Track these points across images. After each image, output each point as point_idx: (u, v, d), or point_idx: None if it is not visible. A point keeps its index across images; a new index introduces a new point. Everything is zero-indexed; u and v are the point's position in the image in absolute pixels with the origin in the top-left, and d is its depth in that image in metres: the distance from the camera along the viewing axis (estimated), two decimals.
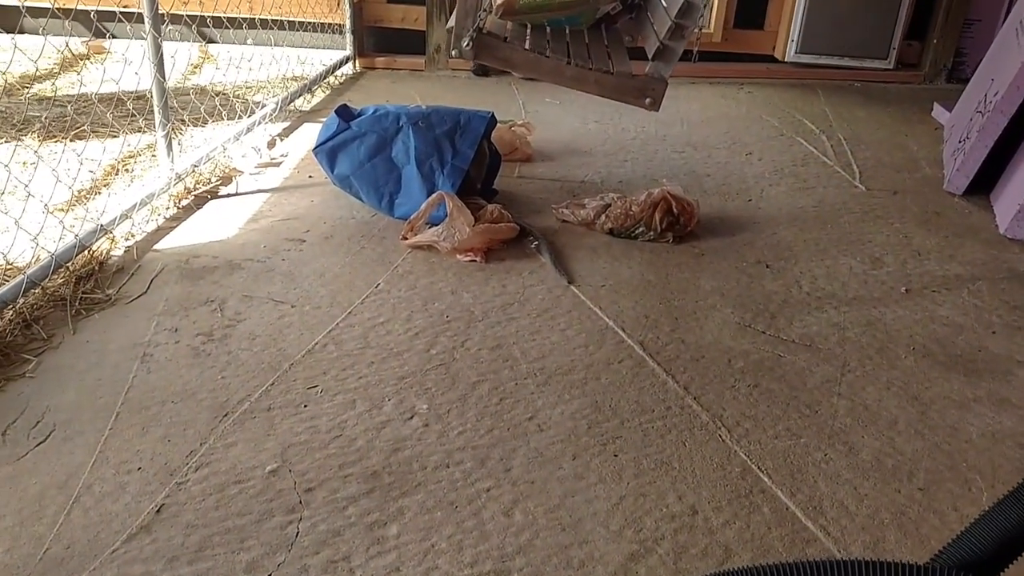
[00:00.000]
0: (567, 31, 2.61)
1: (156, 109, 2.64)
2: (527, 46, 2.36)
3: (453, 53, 2.29)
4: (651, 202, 2.62)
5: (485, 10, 2.25)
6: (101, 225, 2.35)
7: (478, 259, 2.44)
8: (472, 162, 2.63)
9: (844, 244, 2.67)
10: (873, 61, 4.59)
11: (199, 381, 1.85)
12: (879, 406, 1.88)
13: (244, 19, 4.27)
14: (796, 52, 4.56)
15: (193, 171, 2.87)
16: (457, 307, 2.21)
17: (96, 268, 2.29)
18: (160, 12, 3.00)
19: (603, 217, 2.65)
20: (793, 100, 4.28)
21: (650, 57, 2.34)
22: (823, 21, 4.49)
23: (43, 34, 2.46)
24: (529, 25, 2.56)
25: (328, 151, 2.67)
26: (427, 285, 2.31)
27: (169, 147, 2.71)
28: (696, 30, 2.32)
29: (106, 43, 4.53)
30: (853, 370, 2.01)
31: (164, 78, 2.62)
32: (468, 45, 2.27)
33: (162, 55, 2.59)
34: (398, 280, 2.33)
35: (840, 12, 4.46)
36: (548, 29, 2.58)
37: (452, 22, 2.30)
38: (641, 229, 2.62)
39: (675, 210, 2.62)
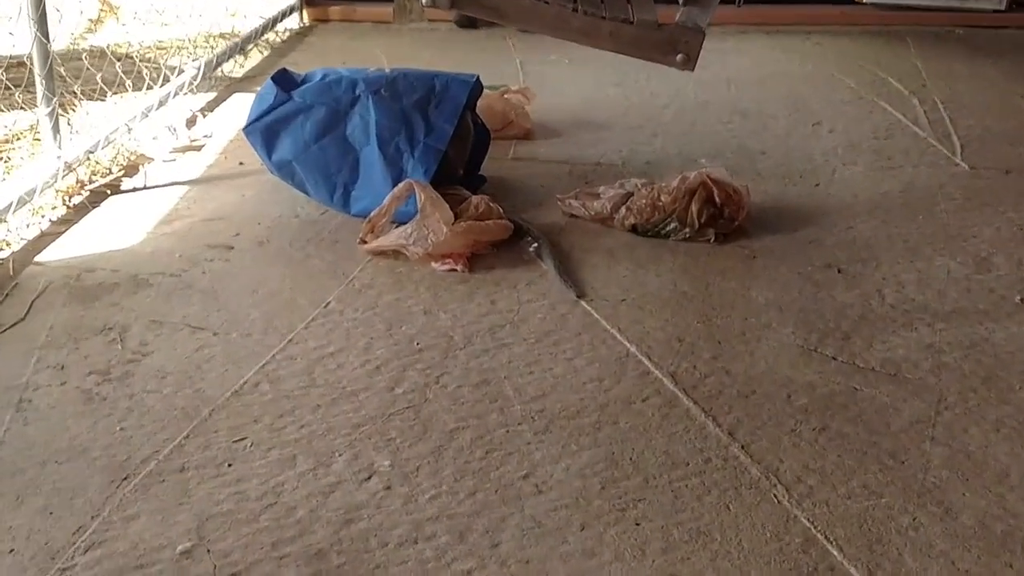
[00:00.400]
0: None
1: (38, 80, 2.66)
2: None
3: (424, 1, 2.30)
4: (686, 189, 2.62)
5: None
6: None
7: (459, 268, 2.45)
8: (451, 141, 2.64)
9: (940, 240, 2.67)
10: (979, 1, 4.59)
11: (91, 434, 1.86)
12: (985, 453, 1.87)
13: None
14: None
15: (88, 159, 2.89)
16: (431, 331, 2.21)
17: None
18: None
19: (623, 210, 2.65)
20: (875, 53, 4.29)
21: (681, 1, 2.35)
22: None
23: None
24: None
25: (263, 130, 2.68)
26: (392, 303, 2.31)
27: (56, 129, 2.72)
28: None
29: None
30: (951, 406, 2.00)
31: (48, 39, 2.64)
32: None
33: (44, 9, 2.61)
34: (354, 297, 2.33)
35: None
36: None
37: None
38: (673, 225, 2.62)
39: (718, 199, 2.62)
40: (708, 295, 2.39)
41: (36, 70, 2.66)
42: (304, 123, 2.66)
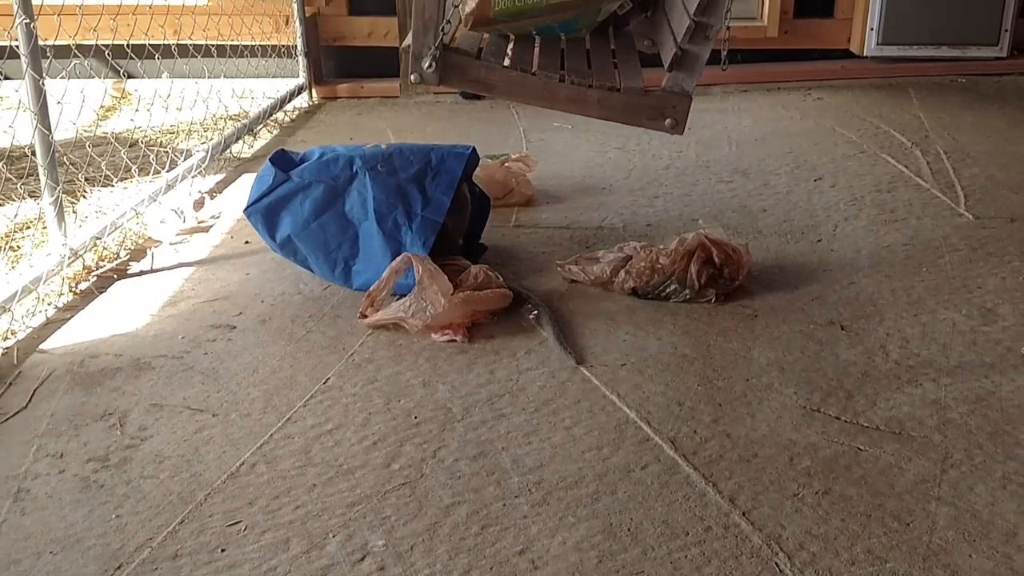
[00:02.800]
0: (562, 39, 2.63)
1: (41, 171, 2.68)
2: (508, 62, 2.38)
3: (412, 79, 2.31)
4: (684, 251, 2.60)
5: (448, 21, 2.27)
6: None
7: (458, 338, 2.43)
8: (448, 212, 2.63)
9: (945, 292, 2.62)
10: (979, 49, 4.58)
11: (87, 523, 1.83)
12: (992, 512, 1.81)
13: (170, 46, 4.38)
14: (877, 44, 4.58)
15: (95, 245, 2.90)
16: (429, 404, 2.18)
17: None
18: (59, 43, 3.09)
19: (623, 273, 2.63)
20: (876, 105, 4.28)
21: (667, 67, 2.34)
22: (910, 2, 4.50)
23: None
24: (512, 36, 2.58)
25: (264, 211, 2.69)
26: (391, 377, 2.29)
27: (60, 218, 2.74)
28: (725, 28, 2.32)
29: None
30: (957, 464, 1.95)
31: (49, 130, 2.66)
32: (431, 67, 2.29)
33: (45, 101, 2.64)
34: (353, 372, 2.31)
35: None
36: (537, 40, 2.60)
37: (409, 39, 2.33)
38: (674, 287, 2.59)
39: (717, 259, 2.59)
40: (709, 356, 2.35)
41: (39, 161, 2.68)
42: (303, 201, 2.67)
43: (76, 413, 2.19)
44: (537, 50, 2.54)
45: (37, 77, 2.62)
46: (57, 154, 2.76)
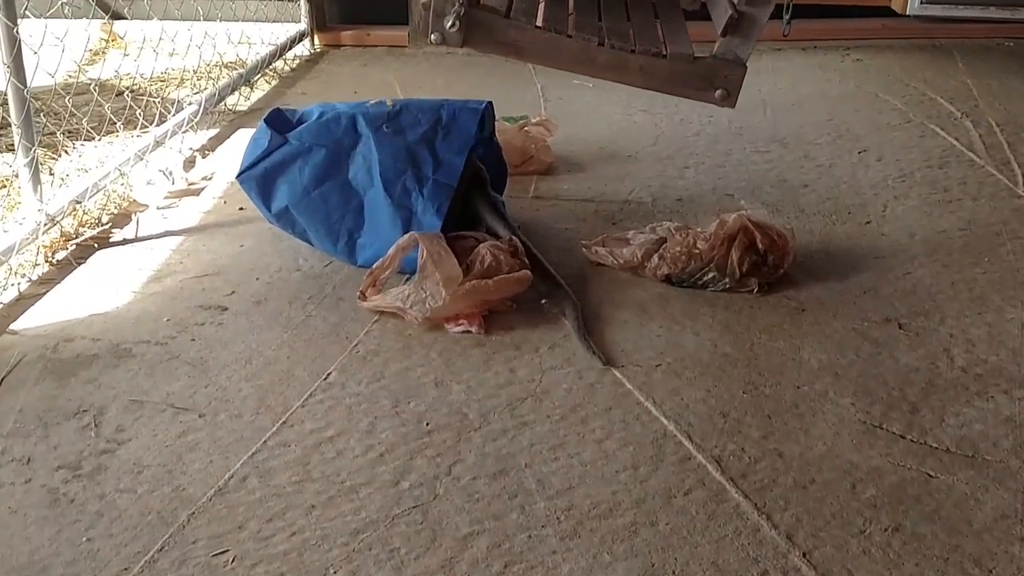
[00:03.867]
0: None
1: (15, 129, 2.44)
2: (540, 22, 2.12)
3: (432, 39, 2.06)
4: (725, 235, 2.36)
5: None
6: None
7: (474, 329, 2.20)
8: (462, 176, 2.40)
9: (1009, 287, 2.39)
10: None
11: (54, 547, 1.62)
12: None
13: None
14: (922, 2, 4.30)
15: (74, 209, 2.66)
16: (443, 408, 1.96)
17: None
18: None
19: (656, 258, 2.40)
20: (920, 69, 4.02)
21: (719, 31, 2.09)
22: None
23: None
24: None
25: (259, 178, 2.45)
26: (400, 373, 2.07)
27: (36, 179, 2.50)
28: None
29: None
30: None
31: (24, 84, 2.41)
32: (453, 26, 2.04)
33: (20, 51, 2.39)
34: (358, 367, 2.09)
35: None
36: None
37: None
38: (712, 274, 2.36)
39: (760, 245, 2.36)
40: (753, 357, 2.13)
41: (12, 118, 2.44)
42: (302, 168, 2.43)
43: (47, 409, 1.97)
44: (572, 6, 2.28)
45: (10, 25, 2.37)
46: (34, 107, 2.50)
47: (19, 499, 1.73)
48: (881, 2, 4.44)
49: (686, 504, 1.70)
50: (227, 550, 1.60)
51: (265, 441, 1.86)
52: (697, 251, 2.37)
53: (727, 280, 2.35)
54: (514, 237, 2.39)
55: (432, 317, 2.19)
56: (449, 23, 2.04)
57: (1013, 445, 1.86)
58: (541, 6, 2.27)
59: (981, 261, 2.52)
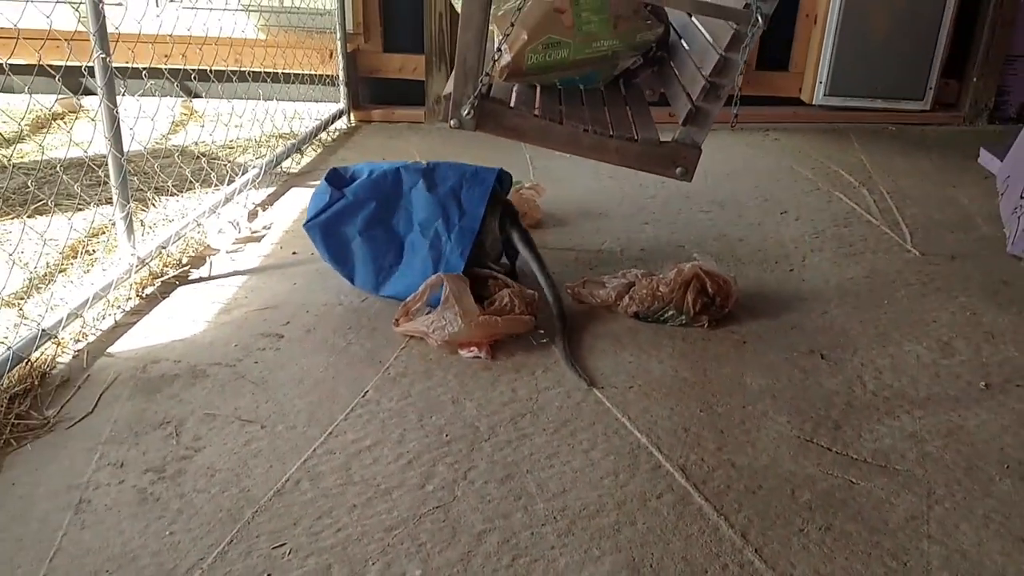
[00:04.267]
0: (583, 91, 2.30)
1: (113, 190, 2.33)
2: (537, 111, 2.04)
3: (451, 124, 1.98)
4: (682, 281, 2.29)
5: (487, 73, 1.94)
6: (43, 330, 2.03)
7: (483, 355, 2.11)
8: (482, 224, 2.31)
9: (906, 326, 2.33)
10: (908, 102, 4.27)
11: (142, 539, 1.52)
12: (979, 552, 1.53)
13: (232, 72, 4.01)
14: (825, 95, 4.26)
15: (160, 253, 2.56)
16: (458, 422, 1.87)
17: (36, 382, 1.96)
18: (135, 67, 2.73)
19: (626, 299, 2.32)
20: (825, 147, 3.96)
21: (680, 120, 2.02)
22: (853, 60, 4.19)
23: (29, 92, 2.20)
24: (538, 86, 2.24)
25: (322, 225, 2.36)
26: (423, 392, 1.98)
27: (130, 229, 2.40)
28: (736, 87, 2.00)
29: (77, 101, 4.25)
30: (940, 500, 1.66)
31: (121, 153, 2.31)
32: (469, 114, 1.95)
33: (119, 127, 2.29)
34: (389, 386, 2.00)
35: (871, 51, 4.16)
36: (561, 90, 2.27)
37: (449, 87, 1.99)
38: (671, 312, 2.28)
39: (710, 289, 2.29)
40: (707, 381, 2.05)
41: (112, 180, 2.34)
42: (356, 216, 2.36)
43: (137, 420, 1.86)
44: (561, 100, 2.21)
45: (112, 106, 2.27)
46: (128, 171, 2.40)
47: (114, 497, 1.62)
48: (793, 93, 4.39)
49: (659, 506, 1.62)
50: (284, 543, 1.51)
51: (315, 449, 1.76)
52: (660, 293, 2.29)
53: (683, 317, 2.28)
54: (531, 291, 2.31)
55: (450, 341, 2.11)
56: (465, 111, 1.96)
57: (917, 456, 1.79)
58: (537, 99, 2.19)
59: (882, 303, 2.45)
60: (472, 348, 2.13)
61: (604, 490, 1.66)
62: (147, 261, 2.48)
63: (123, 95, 2.45)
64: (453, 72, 1.96)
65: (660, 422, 1.88)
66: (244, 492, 1.64)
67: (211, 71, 3.42)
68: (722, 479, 1.70)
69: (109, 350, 2.14)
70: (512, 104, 2.04)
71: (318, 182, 2.46)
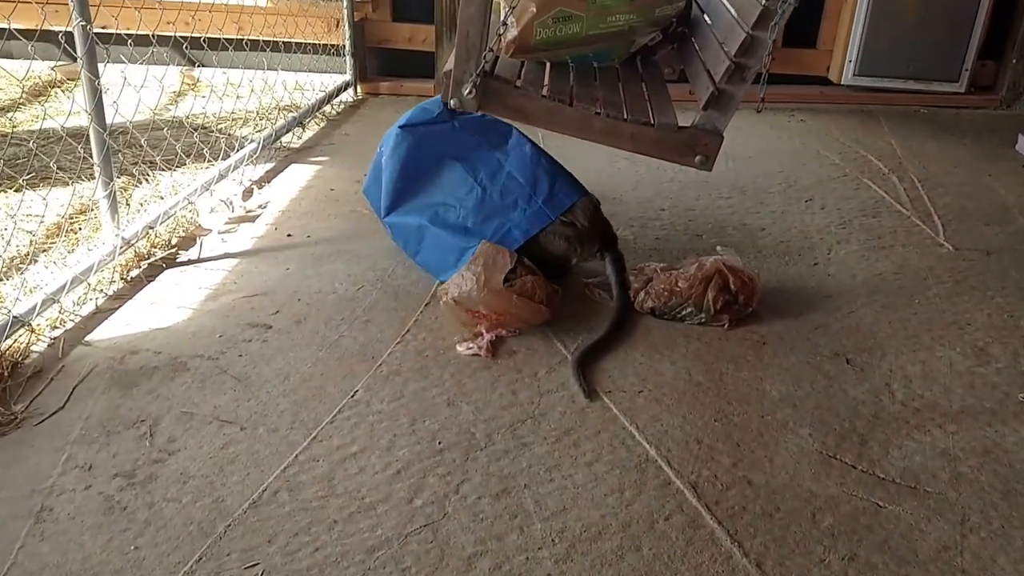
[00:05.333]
0: (596, 69, 2.14)
1: (96, 167, 2.21)
2: (546, 91, 1.90)
3: (452, 104, 1.84)
4: (703, 276, 2.14)
5: (491, 49, 1.79)
6: (15, 316, 1.91)
7: (482, 353, 1.98)
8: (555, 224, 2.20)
9: (938, 328, 2.18)
10: (942, 84, 4.07)
11: (104, 554, 1.41)
12: None
13: (233, 40, 3.86)
14: (854, 74, 4.07)
15: (148, 233, 2.44)
16: (453, 427, 1.74)
17: (5, 373, 1.85)
18: (139, 33, 2.60)
19: (642, 294, 2.18)
20: (853, 130, 3.78)
21: (701, 105, 1.87)
22: (885, 39, 3.99)
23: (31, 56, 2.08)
24: (548, 64, 2.09)
25: (416, 136, 2.28)
26: (417, 392, 1.85)
27: (114, 208, 2.27)
28: (764, 69, 1.84)
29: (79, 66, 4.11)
30: (976, 528, 1.52)
31: (104, 128, 2.18)
32: (470, 93, 1.82)
33: (100, 97, 2.16)
34: (381, 385, 1.87)
35: (904, 29, 3.95)
36: (572, 67, 2.11)
37: (450, 64, 1.85)
38: (690, 310, 2.14)
39: (732, 287, 2.14)
40: (723, 387, 1.91)
41: (94, 158, 2.20)
42: (452, 143, 2.27)
43: (110, 417, 1.75)
44: (573, 79, 2.05)
45: (93, 78, 2.13)
46: (123, 140, 2.27)
47: (78, 504, 1.51)
48: (820, 72, 4.20)
49: (667, 529, 1.49)
50: (257, 563, 1.39)
51: (296, 456, 1.64)
52: (678, 289, 2.15)
53: (702, 316, 2.14)
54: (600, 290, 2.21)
55: (458, 302, 2.01)
56: (467, 90, 1.82)
57: (950, 477, 1.65)
58: (546, 77, 2.04)
59: (912, 303, 2.30)
60: (471, 346, 2.01)
61: (608, 509, 1.53)
62: (133, 242, 2.36)
63: (105, 62, 2.31)
64: (454, 48, 1.81)
65: (671, 432, 1.75)
66: (217, 503, 1.52)
67: (204, 40, 3.28)
68: (737, 499, 1.57)
69: (87, 338, 2.02)
70: (518, 83, 1.89)
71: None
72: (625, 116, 1.86)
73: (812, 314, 2.22)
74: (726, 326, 2.12)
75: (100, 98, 2.16)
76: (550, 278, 2.15)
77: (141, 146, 3.15)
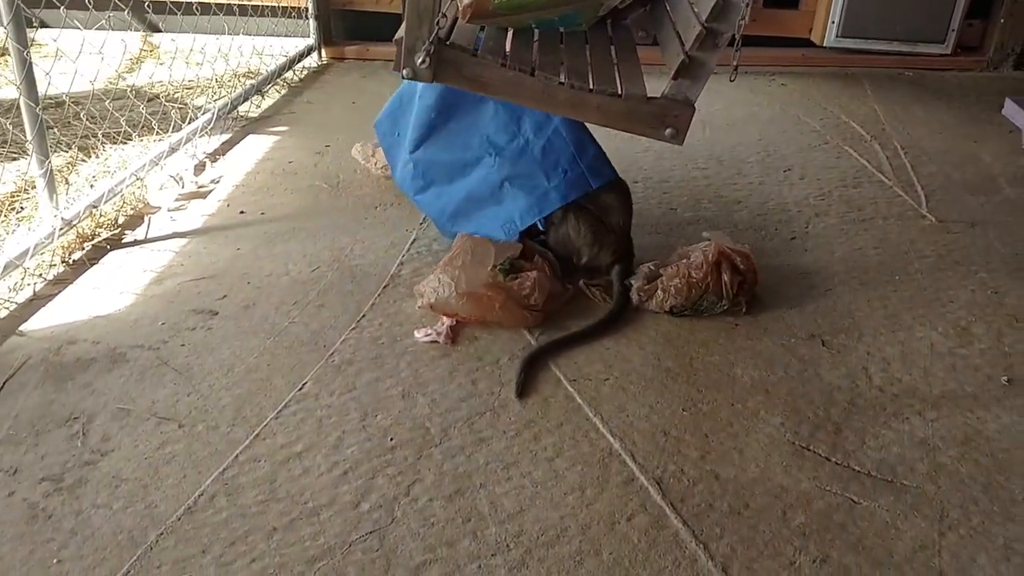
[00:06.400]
0: (561, 35, 2.02)
1: (30, 145, 2.08)
2: (505, 60, 1.78)
3: (404, 74, 1.73)
4: (712, 262, 2.02)
5: (445, 14, 1.67)
6: None
7: (441, 339, 1.89)
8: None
9: (919, 306, 2.10)
10: (928, 45, 3.97)
11: (24, 569, 1.32)
12: None
13: (194, 2, 3.71)
14: (837, 36, 3.95)
15: (91, 213, 2.32)
16: (407, 421, 1.65)
17: None
18: None
19: (659, 293, 2.01)
20: (835, 94, 3.67)
21: (671, 74, 1.76)
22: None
23: None
24: (510, 30, 1.97)
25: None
26: (370, 384, 1.76)
27: (51, 188, 2.15)
28: (737, 34, 1.73)
29: (31, 32, 3.94)
30: (955, 525, 1.46)
31: (37, 103, 2.05)
32: (424, 62, 1.70)
33: (31, 67, 2.02)
34: (332, 376, 1.78)
35: None
36: (536, 33, 1.99)
37: (402, 31, 1.73)
38: (712, 298, 2.00)
39: (741, 266, 2.03)
40: (692, 372, 1.83)
41: (27, 134, 2.07)
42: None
43: (41, 415, 1.65)
44: (536, 46, 1.94)
45: (20, 47, 2.00)
46: (73, 111, 2.14)
47: (0, 512, 1.42)
48: (803, 34, 4.08)
49: (628, 531, 1.41)
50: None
51: (237, 456, 1.55)
52: (695, 280, 2.00)
53: (724, 303, 2.00)
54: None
55: (434, 308, 1.92)
56: (420, 59, 1.70)
57: (928, 469, 1.58)
58: (507, 42, 1.92)
59: (893, 279, 2.21)
60: (430, 332, 1.91)
61: (567, 510, 1.45)
62: (75, 223, 2.24)
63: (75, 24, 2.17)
64: (406, 14, 1.69)
65: (637, 423, 1.67)
66: (150, 509, 1.43)
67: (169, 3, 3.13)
68: (703, 496, 1.49)
69: (22, 328, 1.92)
70: (477, 51, 1.77)
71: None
72: (591, 86, 1.75)
73: (787, 292, 2.14)
74: (744, 309, 2.02)
75: (30, 70, 2.02)
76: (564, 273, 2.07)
77: (93, 118, 3.01)
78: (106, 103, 2.83)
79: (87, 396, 1.70)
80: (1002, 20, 3.95)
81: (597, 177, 2.07)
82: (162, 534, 1.38)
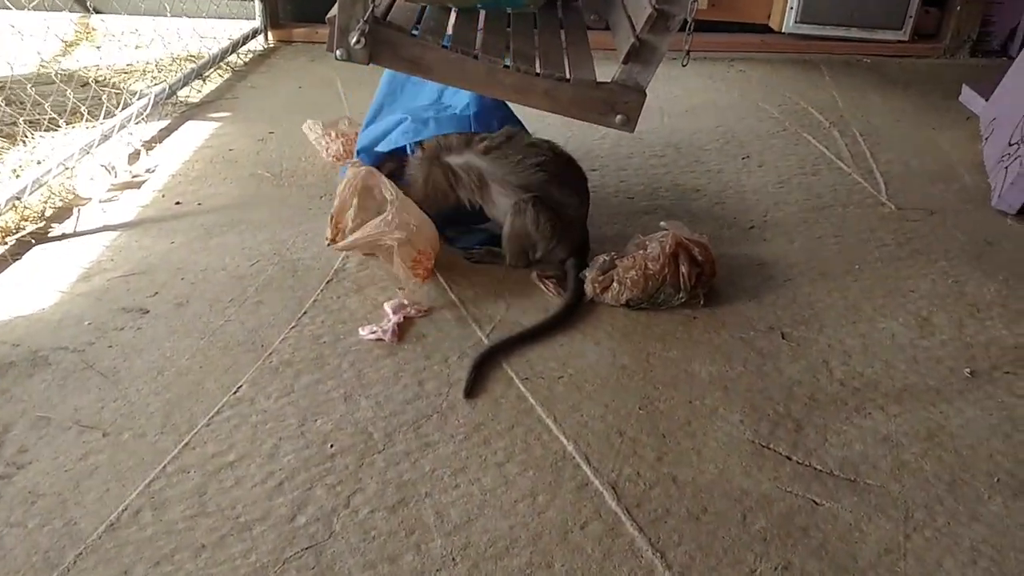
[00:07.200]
0: (509, 17, 1.94)
1: None
2: (447, 41, 1.69)
3: (337, 55, 1.63)
4: (669, 253, 1.95)
5: None
6: None
7: (387, 338, 1.80)
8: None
9: (880, 296, 2.06)
10: (886, 32, 3.95)
11: None
12: None
13: None
14: (796, 22, 3.92)
15: (14, 206, 2.18)
16: (348, 426, 1.57)
17: None
18: None
19: (615, 285, 1.96)
20: (794, 81, 3.64)
21: (621, 58, 1.68)
22: None
23: None
24: (454, 9, 1.88)
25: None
26: (310, 386, 1.66)
27: None
28: (689, 17, 1.66)
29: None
30: (920, 526, 1.41)
31: None
32: (359, 43, 1.60)
33: None
34: (269, 378, 1.68)
35: None
36: (482, 14, 1.91)
37: (335, 10, 1.63)
38: (669, 290, 1.94)
39: (699, 257, 1.97)
40: (649, 369, 1.76)
41: None
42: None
43: None
44: (481, 27, 1.85)
45: None
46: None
47: None
48: (761, 20, 4.04)
49: (582, 541, 1.34)
50: None
51: (164, 467, 1.45)
52: (651, 272, 1.94)
53: (681, 295, 1.94)
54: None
55: (412, 240, 1.91)
56: (354, 39, 1.61)
57: (891, 467, 1.53)
58: (450, 23, 1.83)
59: (853, 269, 2.17)
60: (375, 330, 1.82)
61: (517, 519, 1.38)
62: None
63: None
64: None
65: (591, 424, 1.60)
66: (69, 526, 1.33)
67: None
68: (660, 500, 1.43)
69: None
70: (416, 31, 1.68)
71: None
72: (537, 70, 1.67)
73: (745, 283, 2.08)
74: (702, 301, 1.96)
75: None
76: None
77: (22, 103, 2.86)
78: (28, 88, 2.68)
79: (3, 404, 1.59)
80: (958, 7, 3.94)
81: (481, 126, 2.04)
82: (81, 554, 1.28)
